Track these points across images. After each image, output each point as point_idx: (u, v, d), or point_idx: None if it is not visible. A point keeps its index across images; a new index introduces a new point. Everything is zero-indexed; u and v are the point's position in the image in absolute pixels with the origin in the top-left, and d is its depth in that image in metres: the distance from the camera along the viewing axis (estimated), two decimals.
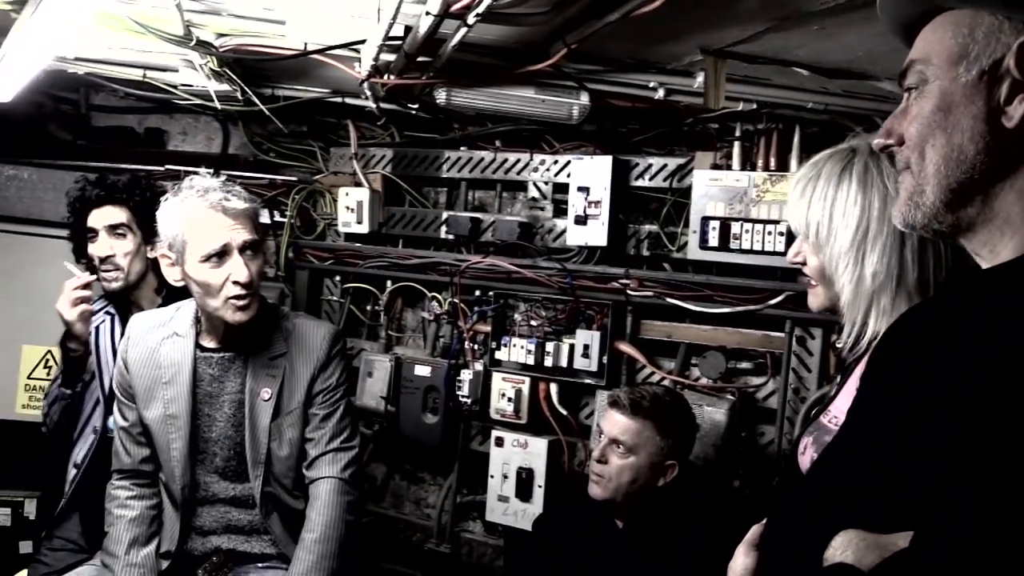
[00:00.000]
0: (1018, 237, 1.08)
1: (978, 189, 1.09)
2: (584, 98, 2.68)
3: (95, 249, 2.78)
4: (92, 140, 3.74)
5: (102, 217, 2.77)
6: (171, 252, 2.31)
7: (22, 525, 3.39)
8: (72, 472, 2.80)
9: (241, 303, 2.26)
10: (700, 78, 2.32)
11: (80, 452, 2.82)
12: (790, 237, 2.53)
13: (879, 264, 1.45)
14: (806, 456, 1.54)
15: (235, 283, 2.24)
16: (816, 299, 1.59)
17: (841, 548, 1.07)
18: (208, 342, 2.40)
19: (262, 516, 2.37)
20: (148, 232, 2.72)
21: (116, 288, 2.78)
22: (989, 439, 0.95)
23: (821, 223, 1.51)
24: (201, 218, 2.25)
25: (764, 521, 1.40)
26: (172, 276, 2.37)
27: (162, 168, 3.50)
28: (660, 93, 2.53)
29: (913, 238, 1.44)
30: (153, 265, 2.78)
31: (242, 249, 2.26)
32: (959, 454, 0.97)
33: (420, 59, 2.36)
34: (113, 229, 2.76)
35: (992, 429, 0.95)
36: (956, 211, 1.12)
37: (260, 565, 2.41)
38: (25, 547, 3.31)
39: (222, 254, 2.24)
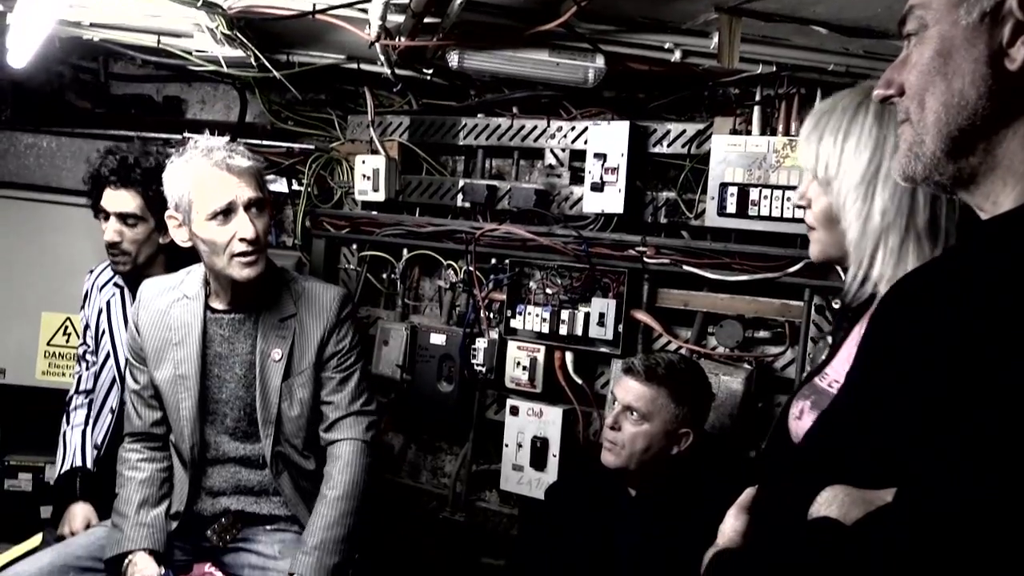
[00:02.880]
0: (1020, 186, 1.05)
1: (980, 136, 1.06)
2: (599, 61, 2.63)
3: (105, 232, 2.76)
4: (111, 108, 3.75)
5: (114, 202, 2.72)
6: (178, 213, 2.33)
7: (43, 490, 3.43)
8: (92, 453, 2.83)
9: (247, 259, 2.28)
10: (716, 38, 2.28)
11: (99, 434, 2.85)
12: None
13: (890, 201, 1.39)
14: (803, 421, 1.50)
15: (241, 240, 2.25)
16: (817, 246, 1.53)
17: (826, 503, 1.06)
18: (218, 304, 2.42)
19: (273, 476, 2.40)
20: (162, 219, 2.70)
21: (124, 271, 2.79)
22: (979, 392, 0.92)
23: (832, 157, 1.45)
24: (206, 177, 2.27)
25: (757, 486, 1.38)
26: (180, 237, 2.37)
27: (180, 136, 3.49)
28: (677, 55, 2.49)
29: None
30: (165, 248, 2.77)
31: (247, 206, 2.28)
32: (949, 409, 0.94)
33: (428, 20, 2.33)
34: (123, 218, 2.72)
35: (983, 381, 0.92)
36: (957, 160, 1.08)
37: (269, 528, 2.44)
38: (45, 511, 3.35)
39: (227, 211, 2.26)
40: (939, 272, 1.19)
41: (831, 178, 1.46)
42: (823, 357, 1.60)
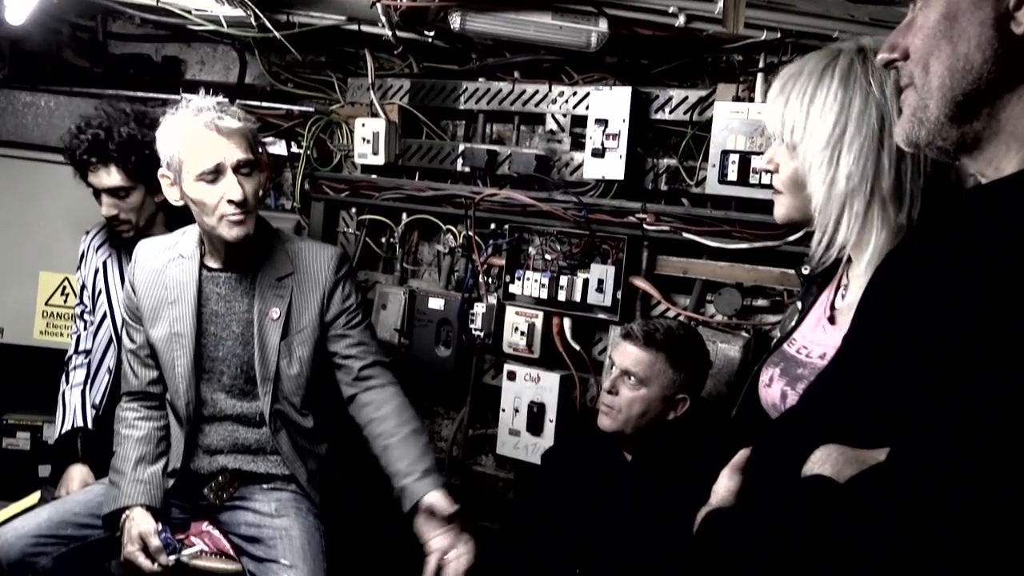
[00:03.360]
0: None
1: (984, 101, 1.05)
2: (602, 25, 2.62)
3: (102, 209, 2.77)
4: (109, 68, 3.72)
5: (102, 180, 2.72)
6: (169, 172, 2.34)
7: (41, 449, 3.44)
8: (91, 413, 2.83)
9: (236, 218, 2.29)
10: (721, 2, 2.26)
11: (97, 394, 2.85)
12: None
13: (854, 166, 1.38)
14: (772, 388, 1.50)
15: (229, 201, 2.26)
16: (781, 209, 1.53)
17: (820, 461, 1.06)
18: (213, 262, 2.43)
19: (271, 433, 2.40)
20: (152, 181, 2.68)
21: (129, 237, 2.78)
22: (980, 353, 0.92)
23: (797, 121, 1.44)
24: (195, 137, 2.27)
25: (751, 448, 1.39)
26: (172, 196, 2.38)
27: (178, 97, 3.46)
28: (681, 20, 2.49)
29: (891, 142, 1.36)
30: (162, 205, 2.77)
31: (236, 168, 2.28)
32: (949, 369, 0.94)
33: None
34: (114, 192, 2.73)
35: (983, 343, 0.92)
36: (961, 126, 1.08)
37: (265, 486, 2.45)
38: (44, 471, 3.36)
39: (216, 173, 2.27)
40: (940, 236, 1.19)
41: (796, 142, 1.45)
42: (792, 324, 1.60)
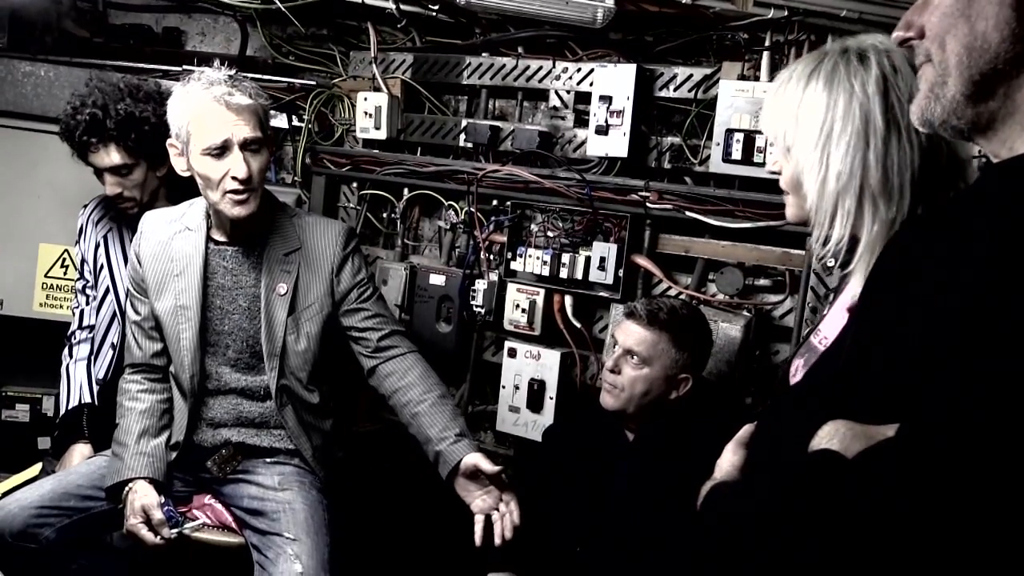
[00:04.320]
0: None
1: (1001, 80, 1.06)
2: (609, 0, 2.59)
3: (106, 188, 2.75)
4: (109, 38, 3.69)
5: (102, 159, 2.70)
6: (177, 142, 2.33)
7: (40, 421, 3.44)
8: (96, 388, 2.83)
9: (239, 197, 2.28)
10: None
11: (100, 369, 2.85)
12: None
13: (843, 163, 1.42)
14: (798, 378, 1.52)
15: (233, 178, 2.24)
16: (791, 209, 1.57)
17: (828, 436, 1.07)
18: (220, 236, 2.43)
19: (277, 408, 2.41)
20: (153, 157, 2.68)
21: (135, 213, 2.76)
22: (992, 330, 0.92)
23: (789, 125, 1.48)
24: (205, 111, 2.25)
25: (755, 423, 1.40)
26: (179, 166, 2.37)
27: (179, 68, 3.44)
28: None
29: (876, 138, 1.41)
30: (165, 179, 2.76)
31: (243, 145, 2.26)
32: (962, 345, 0.95)
33: None
34: (116, 171, 2.71)
35: (995, 319, 0.92)
36: (977, 105, 1.08)
37: (268, 460, 2.45)
38: (43, 443, 3.37)
39: (223, 148, 2.25)
40: (951, 211, 1.19)
41: (790, 145, 1.49)
42: (823, 315, 1.63)
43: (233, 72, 2.35)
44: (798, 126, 1.46)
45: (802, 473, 1.06)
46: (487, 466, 2.26)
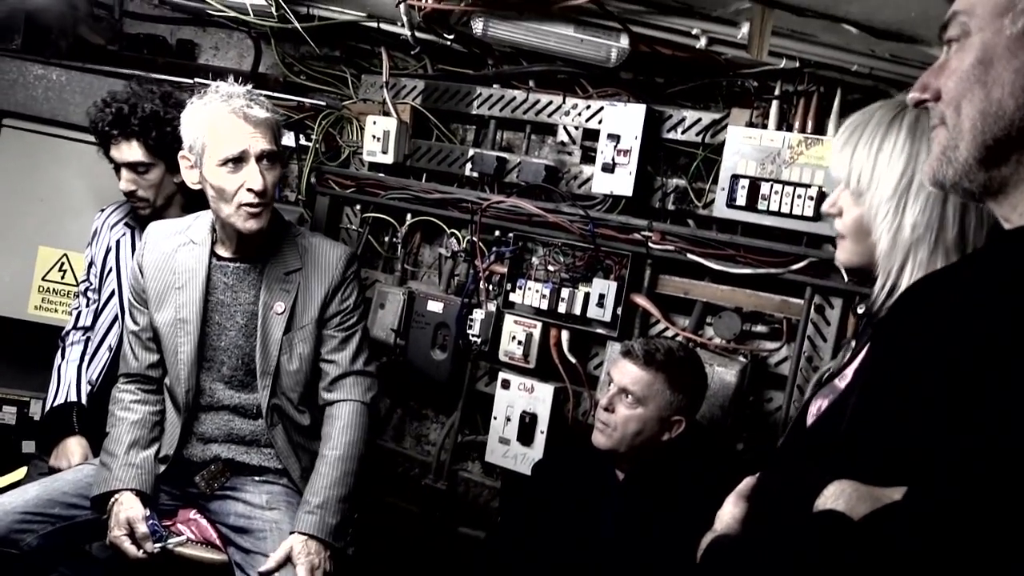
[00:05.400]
0: None
1: (1015, 147, 1.06)
2: (624, 41, 2.63)
3: (120, 184, 2.79)
4: (123, 47, 3.71)
5: (122, 154, 2.75)
6: (191, 155, 2.34)
7: (26, 425, 3.41)
8: (87, 389, 2.82)
9: (253, 211, 2.29)
10: (744, 28, 2.28)
11: (95, 370, 2.85)
12: (819, 201, 2.48)
13: (920, 216, 1.41)
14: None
15: (249, 190, 2.25)
16: (844, 254, 1.55)
17: (833, 496, 1.06)
18: (223, 251, 2.43)
19: (267, 427, 2.40)
20: (172, 160, 2.70)
21: (146, 215, 2.81)
22: (999, 397, 0.92)
23: (864, 169, 1.46)
24: (222, 122, 2.27)
25: (757, 475, 1.39)
26: (190, 179, 2.38)
27: (191, 81, 3.45)
28: (702, 42, 2.49)
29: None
30: (182, 186, 2.78)
31: (259, 158, 2.28)
32: (969, 412, 0.95)
33: None
34: (133, 167, 2.75)
35: (1001, 387, 0.92)
36: (990, 169, 1.09)
37: (257, 479, 2.44)
38: (28, 446, 3.33)
39: (239, 160, 2.26)
40: (958, 277, 1.20)
41: (863, 190, 1.47)
42: (846, 359, 1.62)
43: (250, 87, 2.37)
44: (876, 171, 1.45)
45: (806, 532, 1.05)
46: (294, 553, 2.22)
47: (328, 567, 2.26)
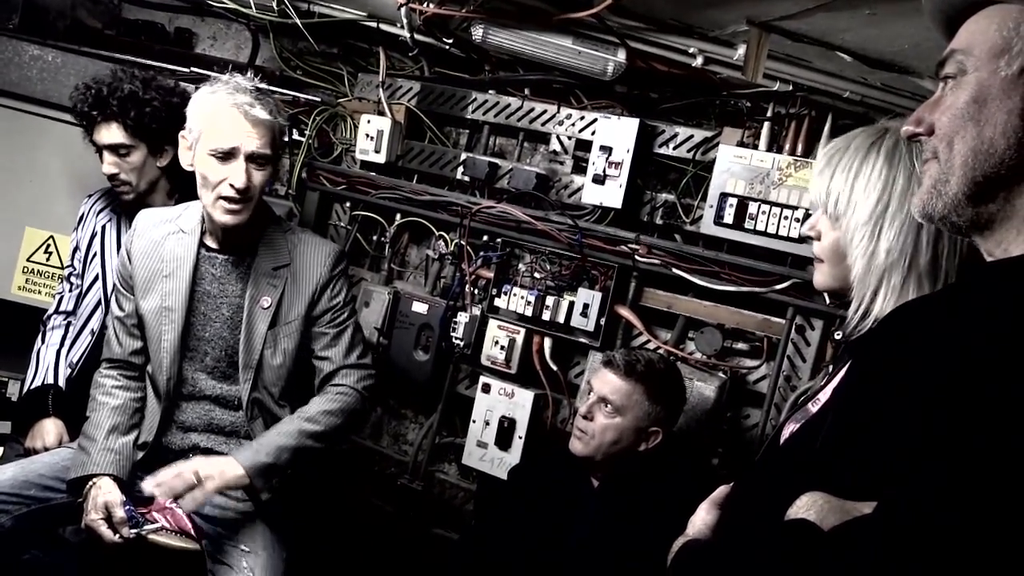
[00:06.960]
0: None
1: (1002, 185, 1.10)
2: (621, 55, 2.65)
3: (103, 167, 2.79)
4: (121, 32, 3.71)
5: (103, 136, 2.76)
6: (189, 136, 2.36)
7: (3, 405, 3.39)
8: (66, 373, 2.83)
9: (230, 206, 2.31)
10: (741, 50, 2.31)
11: (76, 353, 2.85)
12: (806, 221, 2.52)
13: (895, 241, 1.43)
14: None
15: (231, 186, 2.27)
16: (821, 276, 1.57)
17: (804, 507, 1.09)
18: (212, 242, 2.43)
19: (247, 419, 2.41)
20: (154, 143, 2.72)
21: (129, 200, 2.81)
22: (972, 420, 0.95)
23: (842, 194, 1.49)
24: (222, 115, 2.28)
25: (731, 484, 1.41)
26: (184, 160, 2.41)
27: (187, 70, 3.46)
28: (699, 60, 2.52)
29: None
30: (166, 171, 2.80)
31: (249, 157, 2.29)
32: (943, 433, 0.97)
33: None
34: (114, 149, 2.76)
35: (975, 411, 0.95)
36: (977, 205, 1.12)
37: None
38: (4, 427, 3.31)
39: (228, 155, 2.28)
40: (939, 306, 1.23)
41: (840, 214, 1.50)
42: (821, 384, 1.65)
43: (261, 85, 2.38)
44: (852, 196, 1.47)
45: (776, 540, 1.08)
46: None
47: (226, 487, 2.24)
